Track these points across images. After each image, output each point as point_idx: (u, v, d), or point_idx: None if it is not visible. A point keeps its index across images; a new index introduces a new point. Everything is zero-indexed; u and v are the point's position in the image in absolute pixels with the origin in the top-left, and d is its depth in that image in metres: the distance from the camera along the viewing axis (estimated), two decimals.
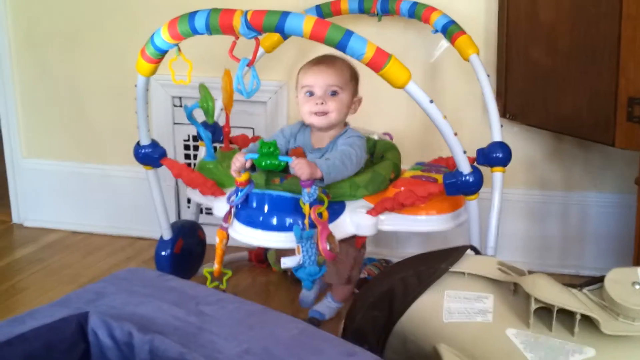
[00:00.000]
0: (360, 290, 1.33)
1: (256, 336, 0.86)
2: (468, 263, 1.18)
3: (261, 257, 1.94)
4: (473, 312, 1.10)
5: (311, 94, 1.53)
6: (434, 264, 1.18)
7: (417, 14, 1.73)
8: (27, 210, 2.32)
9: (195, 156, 2.09)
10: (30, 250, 2.10)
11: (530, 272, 1.15)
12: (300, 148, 1.56)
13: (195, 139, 2.08)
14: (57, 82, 2.19)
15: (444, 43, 1.83)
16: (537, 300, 1.06)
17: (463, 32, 1.65)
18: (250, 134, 1.99)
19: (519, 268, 1.16)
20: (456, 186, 1.41)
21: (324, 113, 1.52)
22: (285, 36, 1.78)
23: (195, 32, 1.31)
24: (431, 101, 1.31)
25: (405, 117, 1.91)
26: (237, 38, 1.33)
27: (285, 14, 1.25)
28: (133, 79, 1.45)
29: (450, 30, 1.66)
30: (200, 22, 1.29)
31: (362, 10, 1.81)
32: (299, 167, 1.34)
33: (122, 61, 2.06)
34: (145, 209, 2.05)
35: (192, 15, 1.31)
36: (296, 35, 1.27)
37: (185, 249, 1.77)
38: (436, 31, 1.70)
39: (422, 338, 1.12)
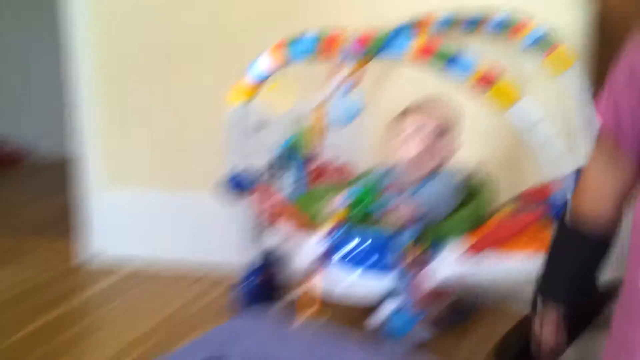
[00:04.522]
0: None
1: None
2: None
3: None
4: None
5: (407, 138, 1.52)
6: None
7: (507, 28, 1.68)
8: (105, 240, 2.28)
9: (275, 182, 2.05)
10: (108, 283, 2.07)
11: None
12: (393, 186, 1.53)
13: (278, 164, 2.04)
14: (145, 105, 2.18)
15: (535, 59, 1.77)
16: None
17: (557, 44, 1.60)
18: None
19: None
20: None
21: (432, 158, 1.52)
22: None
23: (301, 56, 1.30)
24: (541, 120, 1.28)
25: (488, 144, 1.86)
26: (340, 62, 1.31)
27: (392, 34, 1.24)
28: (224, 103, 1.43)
29: (544, 43, 1.62)
30: (306, 47, 1.28)
31: (449, 27, 1.76)
32: (402, 208, 1.34)
33: (213, 84, 1.99)
34: (225, 235, 2.02)
35: (297, 39, 1.30)
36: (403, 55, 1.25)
37: (271, 277, 1.74)
38: (528, 46, 1.66)
39: None
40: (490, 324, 1.69)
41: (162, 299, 1.94)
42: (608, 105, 0.97)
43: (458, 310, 1.72)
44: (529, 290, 1.48)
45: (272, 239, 2.07)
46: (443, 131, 1.53)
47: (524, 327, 1.26)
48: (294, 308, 1.50)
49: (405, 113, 1.55)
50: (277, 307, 1.75)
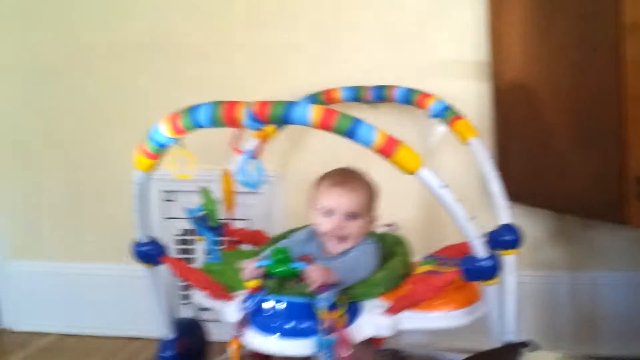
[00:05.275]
0: None
1: None
2: None
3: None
4: None
5: (329, 214, 1.49)
6: None
7: (412, 100, 1.73)
8: (15, 314, 2.22)
9: (188, 251, 2.04)
10: (20, 357, 1.99)
11: None
12: (311, 256, 1.47)
13: (190, 233, 2.02)
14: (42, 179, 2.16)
15: (441, 128, 1.81)
16: None
17: (460, 116, 1.66)
18: (245, 226, 1.94)
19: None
20: (474, 272, 1.36)
21: (343, 238, 1.49)
22: (281, 126, 1.76)
23: (198, 125, 1.29)
24: (444, 186, 1.29)
25: (406, 206, 1.89)
26: (241, 130, 1.31)
27: (290, 104, 1.24)
28: (123, 174, 1.43)
29: (448, 114, 1.67)
30: (204, 116, 1.27)
31: (356, 99, 1.81)
32: (313, 274, 1.31)
33: (112, 156, 2.06)
34: (138, 307, 1.98)
35: (194, 109, 1.29)
36: (303, 125, 1.25)
37: (188, 349, 1.70)
38: (433, 116, 1.70)
39: None
40: None
41: None
42: None
43: None
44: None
45: (187, 309, 2.05)
46: (363, 208, 1.50)
47: None
48: None
49: (326, 183, 1.52)
50: None
